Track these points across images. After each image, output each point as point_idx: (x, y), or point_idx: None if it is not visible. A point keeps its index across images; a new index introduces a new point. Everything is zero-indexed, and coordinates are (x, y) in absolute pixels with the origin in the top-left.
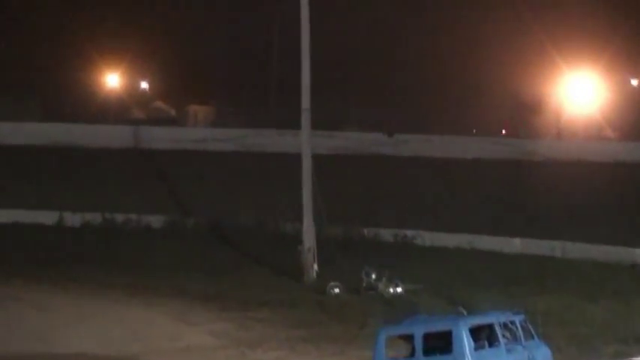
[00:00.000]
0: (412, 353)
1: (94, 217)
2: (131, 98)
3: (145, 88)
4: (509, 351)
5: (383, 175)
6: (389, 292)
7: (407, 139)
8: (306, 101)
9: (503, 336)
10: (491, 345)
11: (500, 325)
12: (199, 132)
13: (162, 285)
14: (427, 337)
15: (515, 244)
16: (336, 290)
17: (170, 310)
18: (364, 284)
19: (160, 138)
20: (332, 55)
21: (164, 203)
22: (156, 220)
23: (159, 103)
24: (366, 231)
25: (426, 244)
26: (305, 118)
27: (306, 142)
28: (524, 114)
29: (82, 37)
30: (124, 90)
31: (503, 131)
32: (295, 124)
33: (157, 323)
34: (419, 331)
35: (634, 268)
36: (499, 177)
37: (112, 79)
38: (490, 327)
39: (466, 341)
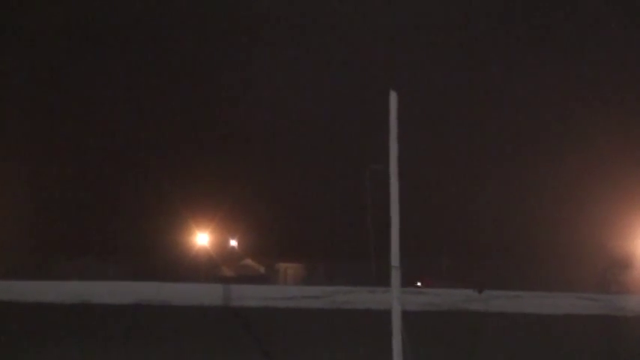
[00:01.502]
0: None
1: None
2: (220, 256)
3: (234, 246)
4: None
5: (473, 332)
6: None
7: (496, 296)
8: (395, 259)
9: None
10: None
11: None
12: (289, 290)
13: None
14: None
15: None
16: None
17: None
18: None
19: (250, 296)
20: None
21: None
22: None
23: (248, 261)
24: None
25: None
26: (395, 276)
27: (395, 299)
28: (616, 269)
29: (175, 196)
30: (214, 248)
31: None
32: (387, 282)
33: None
34: None
35: None
36: (591, 334)
37: (202, 238)
38: None
39: None
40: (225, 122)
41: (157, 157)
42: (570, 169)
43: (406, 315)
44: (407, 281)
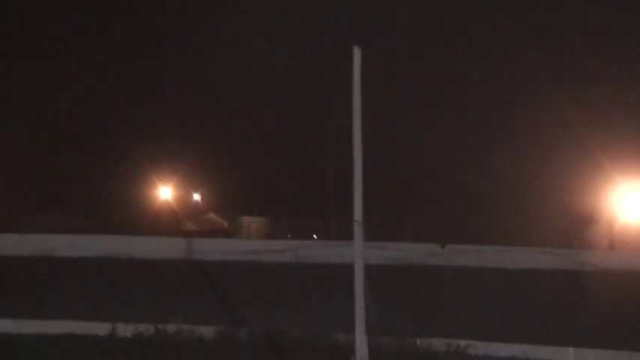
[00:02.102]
0: None
1: (147, 329)
2: (183, 210)
3: (197, 200)
4: None
5: (434, 286)
6: None
7: (459, 250)
8: (358, 213)
9: None
10: None
11: None
12: (252, 244)
13: None
14: None
15: (569, 356)
16: None
17: None
18: None
19: (213, 250)
20: (384, 165)
21: (215, 314)
22: (208, 331)
23: (211, 215)
24: (418, 341)
25: (479, 354)
26: (357, 230)
27: (358, 253)
28: (577, 225)
29: (138, 150)
30: (177, 202)
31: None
32: (349, 236)
33: None
34: None
35: None
36: (553, 288)
37: (165, 192)
38: None
39: None
40: (188, 76)
41: (119, 110)
42: (533, 125)
43: (368, 269)
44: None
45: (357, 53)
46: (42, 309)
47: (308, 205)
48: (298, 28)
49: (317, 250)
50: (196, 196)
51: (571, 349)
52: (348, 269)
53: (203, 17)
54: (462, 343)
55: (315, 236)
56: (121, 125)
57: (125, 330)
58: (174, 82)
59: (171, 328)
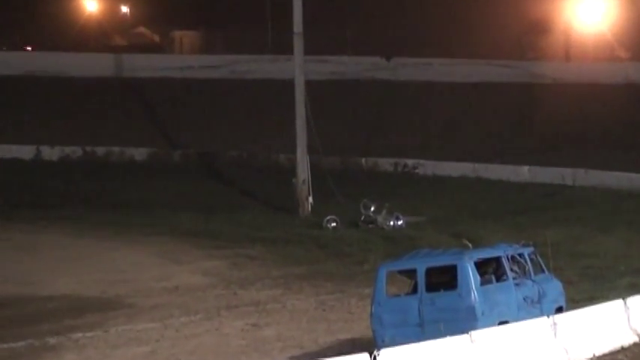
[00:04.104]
0: (414, 289)
1: (74, 151)
2: (111, 24)
3: (125, 12)
4: (518, 286)
5: (381, 101)
6: (389, 225)
7: (406, 63)
8: (298, 24)
9: (512, 270)
10: (498, 280)
11: (508, 259)
12: (186, 59)
13: (149, 222)
14: (430, 273)
15: (524, 173)
16: (333, 224)
17: (158, 249)
18: (363, 217)
19: (144, 66)
20: None
21: (148, 135)
22: (140, 153)
23: (141, 29)
24: (364, 161)
25: (428, 174)
26: (297, 43)
27: (298, 67)
28: (531, 35)
29: None
30: (104, 15)
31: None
32: (289, 50)
33: (144, 263)
34: (421, 267)
35: None
36: (505, 102)
37: (91, 4)
38: (497, 261)
39: (471, 276)
40: None
41: None
42: None
43: (310, 85)
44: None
45: None
46: None
47: (244, 15)
48: None
49: (254, 65)
50: (125, 9)
51: (526, 168)
52: (287, 85)
53: None
54: (410, 162)
55: None
56: None
57: (51, 153)
58: None
59: (100, 150)
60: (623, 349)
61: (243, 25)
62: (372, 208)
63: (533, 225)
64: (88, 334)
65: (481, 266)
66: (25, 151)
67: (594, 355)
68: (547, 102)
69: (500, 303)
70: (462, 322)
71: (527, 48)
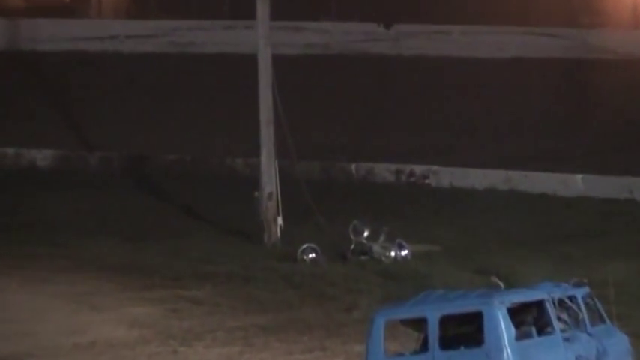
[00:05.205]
0: (424, 346)
1: None
2: None
3: None
4: (568, 341)
5: (378, 84)
6: (389, 256)
7: (413, 32)
8: None
9: (559, 319)
10: (541, 332)
11: (553, 304)
12: (107, 25)
13: (56, 253)
14: (446, 323)
15: (575, 183)
16: (311, 255)
17: (68, 290)
18: (353, 246)
19: (49, 35)
20: None
21: (55, 131)
22: (43, 157)
23: None
24: (354, 167)
25: (444, 186)
26: (261, 4)
27: (263, 38)
28: None
29: None
30: None
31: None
32: (250, 13)
33: (49, 309)
34: (434, 314)
35: None
36: (551, 85)
37: None
38: (539, 306)
39: (503, 327)
40: None
41: None
42: None
43: (279, 61)
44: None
45: None
46: None
47: None
48: None
49: (202, 34)
50: None
51: (579, 177)
52: (248, 62)
53: None
54: (418, 169)
55: None
56: None
57: None
58: None
59: (11, 151)
60: None
61: None
62: (366, 233)
63: (588, 256)
64: None
65: (517, 314)
66: None
67: None
68: (608, 85)
69: None
70: None
71: (583, 11)
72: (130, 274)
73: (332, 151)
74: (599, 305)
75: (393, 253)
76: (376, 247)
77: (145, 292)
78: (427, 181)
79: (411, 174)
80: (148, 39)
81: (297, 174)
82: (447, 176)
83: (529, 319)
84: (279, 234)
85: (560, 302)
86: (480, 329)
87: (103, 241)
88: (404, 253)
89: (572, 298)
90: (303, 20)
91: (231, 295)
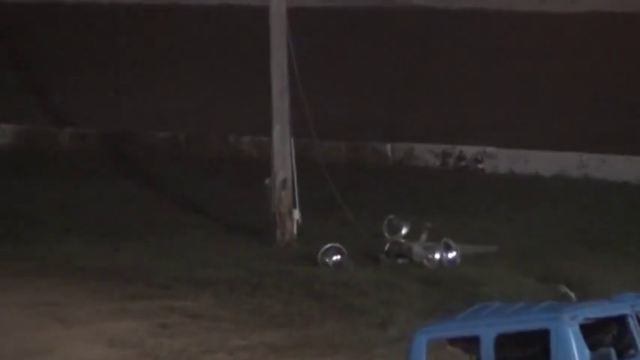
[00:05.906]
0: None
1: None
2: None
3: None
4: None
5: (419, 45)
6: (432, 259)
7: None
8: None
9: None
10: (622, 355)
11: (638, 319)
12: None
13: (18, 253)
14: (504, 343)
15: None
16: (336, 258)
17: (32, 300)
18: (387, 247)
19: None
20: None
21: (17, 102)
22: (2, 134)
23: None
24: (389, 148)
25: (501, 172)
26: None
27: None
28: None
29: None
30: None
31: None
32: None
33: (9, 323)
34: (488, 332)
35: None
36: (636, 48)
37: None
38: (620, 322)
39: (575, 348)
40: None
41: None
42: None
43: (296, 15)
44: None
45: None
46: None
47: None
48: None
49: None
50: None
51: None
52: (257, 16)
53: None
54: (469, 150)
55: None
56: None
57: None
58: None
59: None
60: None
61: None
62: (404, 231)
63: None
64: None
65: (592, 332)
66: None
67: None
68: None
69: None
70: None
71: None
72: (108, 280)
73: (361, 127)
74: None
75: (437, 256)
76: (416, 248)
77: (128, 302)
78: (480, 166)
79: (461, 157)
80: None
81: (319, 156)
82: (504, 160)
83: (607, 338)
84: (295, 231)
85: None
86: (545, 351)
87: (75, 239)
88: (451, 255)
89: None
90: None
91: (235, 306)
